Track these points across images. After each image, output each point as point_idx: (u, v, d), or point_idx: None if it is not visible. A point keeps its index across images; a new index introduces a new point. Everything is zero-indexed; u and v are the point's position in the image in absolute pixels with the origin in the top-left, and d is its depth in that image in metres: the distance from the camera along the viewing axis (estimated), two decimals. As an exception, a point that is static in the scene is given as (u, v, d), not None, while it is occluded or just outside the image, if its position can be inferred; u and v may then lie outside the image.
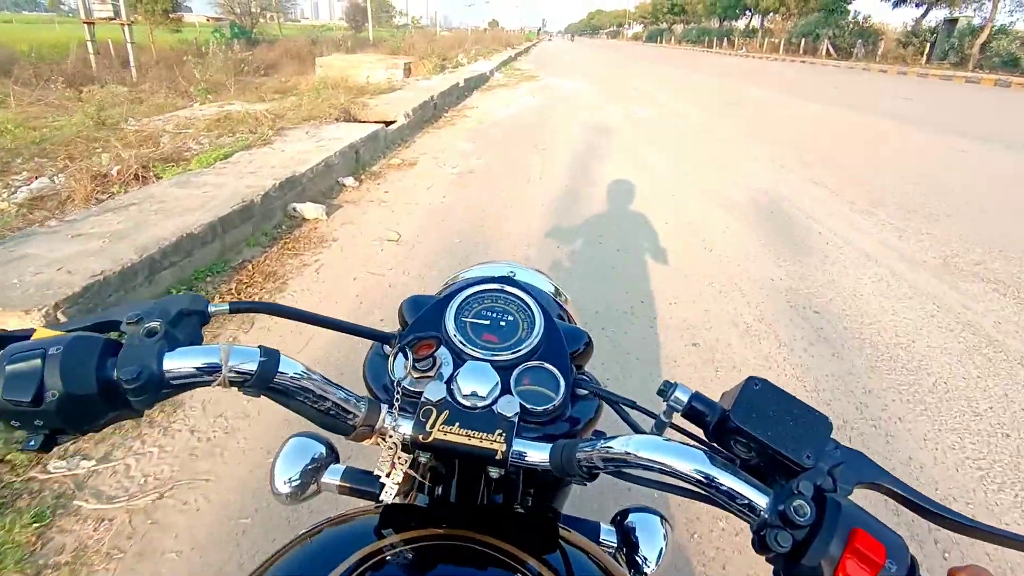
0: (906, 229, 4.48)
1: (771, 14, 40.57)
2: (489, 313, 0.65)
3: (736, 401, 0.46)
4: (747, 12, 46.49)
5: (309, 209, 4.22)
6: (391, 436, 0.54)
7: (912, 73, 21.74)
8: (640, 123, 9.20)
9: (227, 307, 0.56)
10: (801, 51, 32.93)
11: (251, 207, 3.68)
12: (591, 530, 0.69)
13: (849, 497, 0.42)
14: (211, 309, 0.55)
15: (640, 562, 0.68)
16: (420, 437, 0.52)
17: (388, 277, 3.32)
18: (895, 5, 26.95)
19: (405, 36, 35.10)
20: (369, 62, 21.07)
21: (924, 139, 8.70)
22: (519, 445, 0.52)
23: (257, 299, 3.00)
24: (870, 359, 2.66)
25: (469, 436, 0.52)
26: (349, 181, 5.13)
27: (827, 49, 29.91)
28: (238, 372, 0.47)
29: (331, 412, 0.52)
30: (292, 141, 5.52)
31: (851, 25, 29.73)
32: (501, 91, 13.95)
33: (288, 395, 0.51)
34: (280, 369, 0.49)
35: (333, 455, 0.71)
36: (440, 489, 0.62)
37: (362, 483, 0.69)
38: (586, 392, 0.61)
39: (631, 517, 0.71)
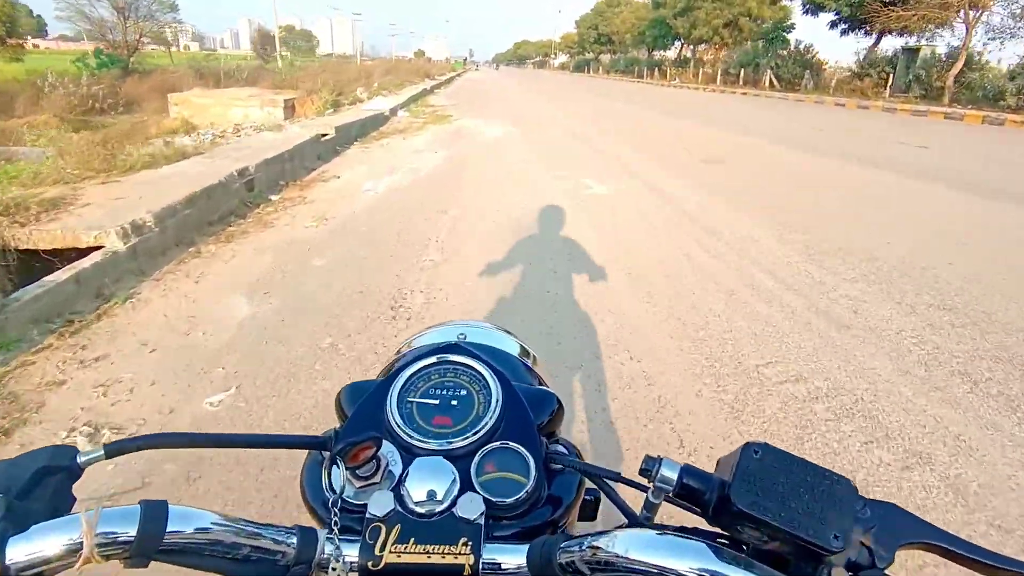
0: None
1: (702, 44, 38.83)
2: (438, 391, 0.56)
3: (735, 476, 0.38)
4: (676, 42, 44.90)
5: None
6: (334, 569, 0.43)
7: (876, 107, 19.37)
8: (601, 216, 5.30)
9: (102, 452, 0.43)
10: (741, 81, 30.85)
11: None
12: None
13: (890, 568, 0.36)
14: (81, 460, 0.42)
15: None
16: (369, 564, 0.43)
17: None
18: (843, 33, 25.13)
19: (315, 66, 30.99)
20: (242, 99, 16.65)
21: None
22: (490, 552, 0.44)
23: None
24: None
25: (428, 553, 0.43)
26: None
27: (770, 80, 27.81)
28: (113, 543, 0.37)
29: (252, 558, 0.42)
30: None
31: (794, 55, 27.77)
32: (394, 140, 10.06)
33: (189, 554, 0.40)
34: (171, 526, 0.39)
35: None
36: None
37: None
38: (562, 467, 0.53)
39: None
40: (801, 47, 27.92)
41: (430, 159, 8.16)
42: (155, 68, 27.14)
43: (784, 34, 31.45)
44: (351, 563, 0.44)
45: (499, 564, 0.44)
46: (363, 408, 0.56)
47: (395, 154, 8.58)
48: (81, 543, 0.37)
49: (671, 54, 50.19)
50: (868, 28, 23.62)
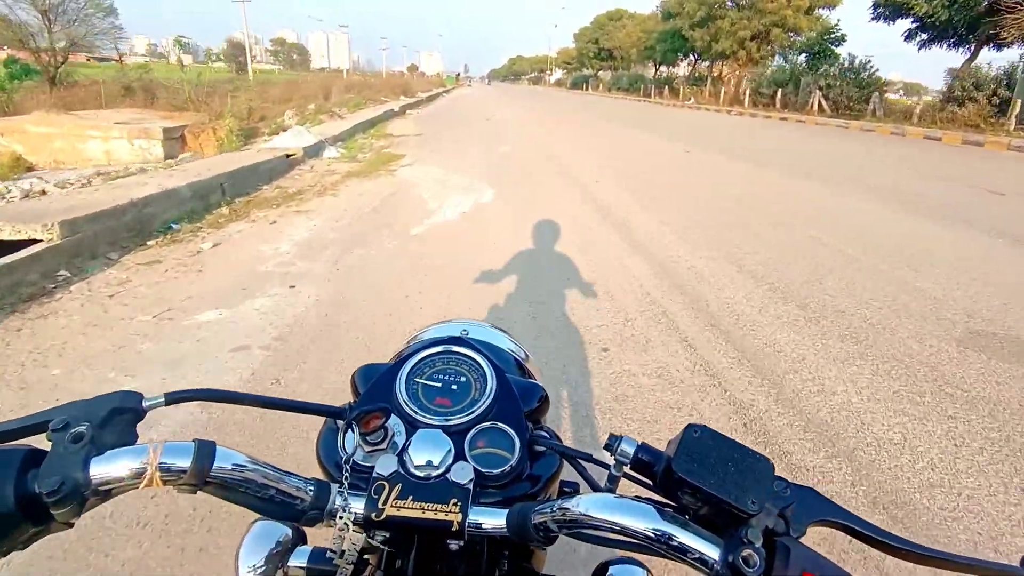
0: None
1: (720, 60, 33.86)
2: (441, 376, 0.64)
3: (677, 451, 0.46)
4: (691, 56, 39.99)
5: None
6: (342, 517, 0.51)
7: (997, 145, 14.14)
8: None
9: (163, 399, 0.51)
10: (778, 104, 25.78)
11: None
12: None
13: (803, 539, 0.41)
14: (145, 404, 0.50)
15: None
16: (373, 515, 0.50)
17: None
18: (924, 45, 20.11)
19: (281, 80, 25.83)
20: (100, 129, 11.09)
21: None
22: (476, 513, 0.51)
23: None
24: None
25: (424, 509, 0.50)
26: None
27: (819, 103, 22.72)
28: (170, 470, 0.45)
29: (276, 499, 0.50)
30: None
31: (846, 71, 22.61)
32: (237, 236, 4.70)
33: (228, 488, 0.48)
34: (216, 463, 0.47)
35: (300, 537, 0.64)
36: (399, 565, 0.58)
37: (328, 564, 0.63)
38: (544, 449, 0.60)
39: (611, 571, 0.62)
40: (855, 62, 22.76)
41: (248, 325, 2.93)
42: (76, 82, 22.08)
43: (832, 47, 26.56)
44: (357, 514, 0.50)
45: (482, 524, 0.50)
46: (376, 386, 0.62)
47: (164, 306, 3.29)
48: (145, 469, 0.44)
49: (681, 71, 45.27)
50: (963, 37, 18.50)
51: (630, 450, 0.50)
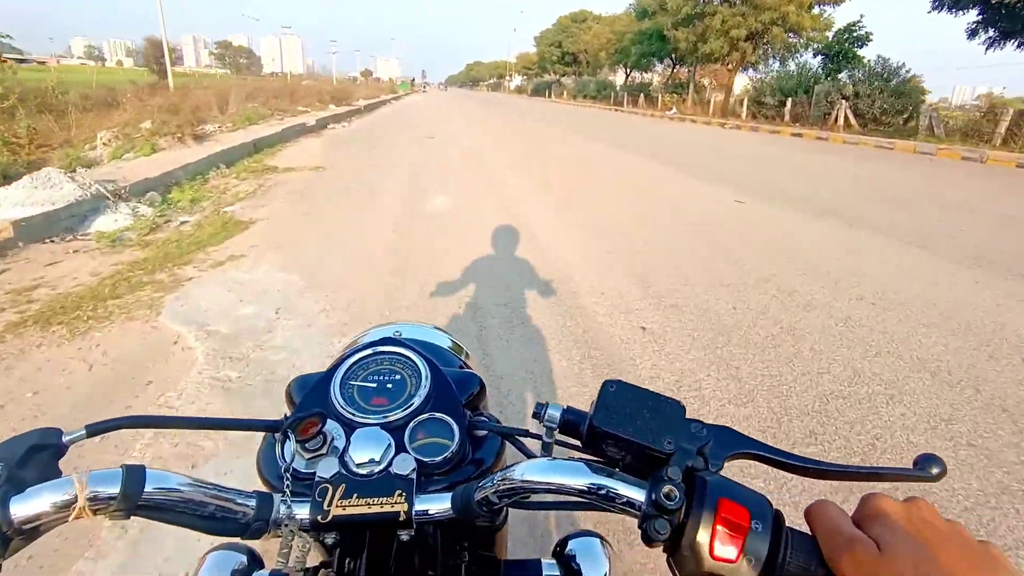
0: None
1: (706, 63, 29.66)
2: (376, 377, 0.64)
3: (596, 407, 0.48)
4: (669, 60, 35.79)
5: None
6: (287, 525, 0.50)
7: None
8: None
9: (84, 432, 0.49)
10: (787, 116, 21.53)
11: None
12: (533, 568, 0.67)
13: (722, 471, 0.43)
14: (65, 439, 0.49)
15: None
16: (319, 518, 0.50)
17: None
18: (993, 43, 15.95)
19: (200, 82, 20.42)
20: None
21: None
22: (422, 501, 0.51)
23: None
24: None
25: (369, 504, 0.51)
26: None
27: (845, 116, 18.45)
28: (98, 499, 0.44)
29: (217, 516, 0.49)
30: None
31: (879, 80, 18.34)
32: None
33: (163, 510, 0.47)
34: (148, 486, 0.46)
35: (256, 562, 0.65)
36: (353, 562, 0.57)
37: None
38: (485, 432, 0.61)
39: (571, 545, 0.68)
40: (893, 65, 18.54)
41: None
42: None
43: (855, 50, 22.44)
44: (302, 520, 0.50)
45: (428, 510, 0.51)
46: (310, 394, 0.62)
47: None
48: (72, 501, 0.43)
49: (655, 76, 41.10)
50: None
51: (557, 414, 0.52)
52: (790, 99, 21.35)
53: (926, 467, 0.43)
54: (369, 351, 0.66)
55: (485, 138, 15.31)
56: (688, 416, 0.47)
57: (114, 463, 0.53)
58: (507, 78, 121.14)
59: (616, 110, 36.95)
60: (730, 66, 28.20)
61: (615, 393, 0.49)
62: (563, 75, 65.01)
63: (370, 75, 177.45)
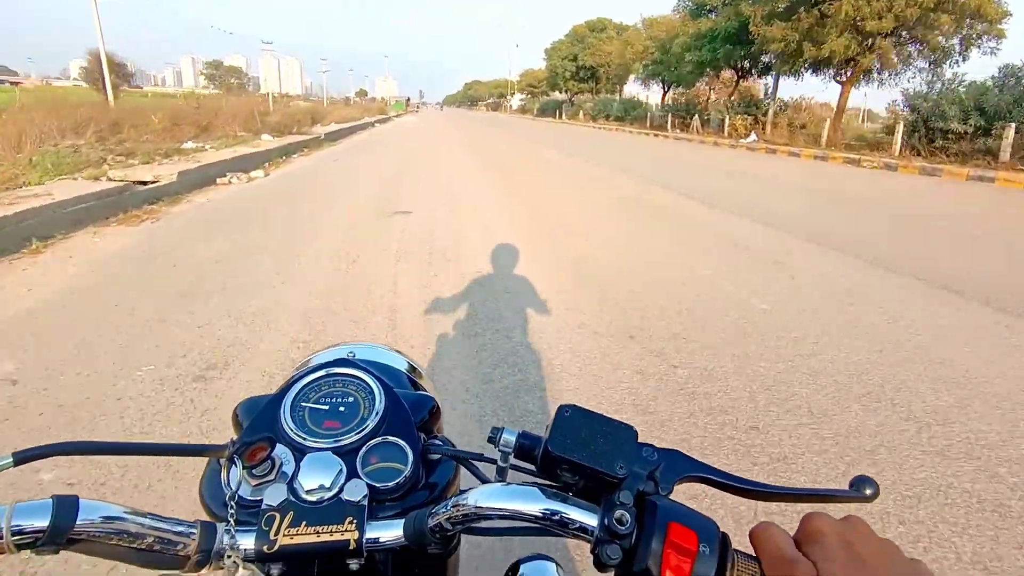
0: None
1: (812, 70, 21.20)
2: (328, 399, 0.61)
3: (551, 432, 0.47)
4: (733, 72, 27.41)
5: None
6: (230, 556, 0.47)
7: None
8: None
9: (10, 459, 0.45)
10: (1005, 155, 12.99)
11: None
12: None
13: (671, 496, 0.44)
14: None
15: None
16: (265, 548, 0.47)
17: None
18: None
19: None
20: None
21: None
22: (373, 528, 0.50)
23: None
24: None
25: (319, 533, 0.48)
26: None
27: None
28: (25, 532, 0.41)
29: (155, 548, 0.46)
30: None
31: None
32: None
33: (97, 543, 0.44)
34: (81, 517, 0.43)
35: None
36: None
37: None
38: (439, 456, 0.60)
39: (523, 569, 0.65)
40: None
41: None
42: None
43: None
44: (247, 551, 0.47)
45: (379, 538, 0.49)
46: (259, 418, 0.59)
47: None
48: None
49: (711, 92, 32.71)
50: None
51: (512, 439, 0.51)
52: (1009, 124, 12.79)
53: (861, 488, 0.44)
54: (321, 372, 0.63)
55: (501, 214, 6.81)
56: (640, 440, 0.47)
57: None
58: (508, 98, 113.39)
59: (656, 135, 28.63)
60: (843, 76, 19.82)
61: (570, 418, 0.48)
62: (577, 92, 56.67)
63: (365, 95, 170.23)
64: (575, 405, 0.49)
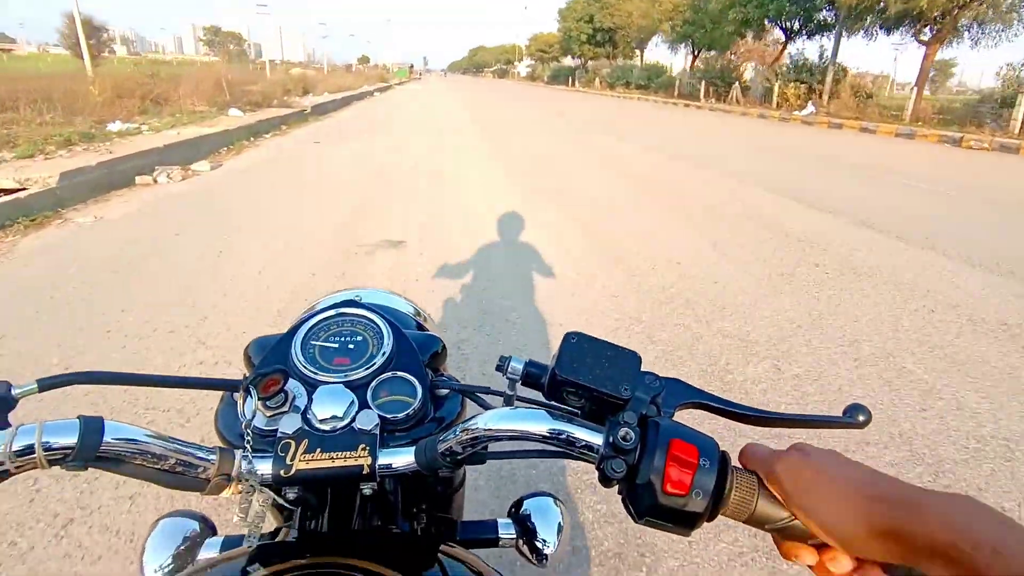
0: None
1: (901, 27, 17.95)
2: (337, 338, 0.62)
3: (559, 357, 0.49)
4: (791, 28, 23.98)
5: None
6: (247, 480, 0.49)
7: None
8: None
9: (35, 386, 0.48)
10: None
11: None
12: (489, 528, 0.69)
13: (673, 418, 0.46)
14: (15, 392, 0.47)
15: (541, 546, 0.68)
16: (281, 472, 0.49)
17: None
18: None
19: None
20: None
21: None
22: (385, 456, 0.51)
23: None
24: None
25: (333, 458, 0.50)
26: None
27: None
28: (54, 449, 0.43)
29: (177, 470, 0.48)
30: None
31: None
32: None
33: (121, 462, 0.46)
34: (106, 437, 0.45)
35: (208, 529, 0.64)
36: (314, 521, 0.57)
37: (241, 545, 0.62)
38: (446, 391, 0.62)
39: (526, 505, 0.69)
40: None
41: None
42: None
43: None
44: (264, 475, 0.49)
45: (392, 463, 0.51)
46: (271, 354, 0.60)
47: None
48: (27, 450, 0.42)
49: (751, 60, 29.28)
50: None
51: (519, 367, 0.52)
52: None
53: (854, 415, 0.46)
54: (331, 312, 0.64)
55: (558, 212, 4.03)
56: (643, 368, 0.48)
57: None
58: (515, 63, 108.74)
59: (688, 106, 25.43)
60: (924, 35, 16.62)
61: (576, 344, 0.49)
62: (592, 58, 52.83)
63: (367, 61, 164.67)
64: (581, 332, 0.50)
